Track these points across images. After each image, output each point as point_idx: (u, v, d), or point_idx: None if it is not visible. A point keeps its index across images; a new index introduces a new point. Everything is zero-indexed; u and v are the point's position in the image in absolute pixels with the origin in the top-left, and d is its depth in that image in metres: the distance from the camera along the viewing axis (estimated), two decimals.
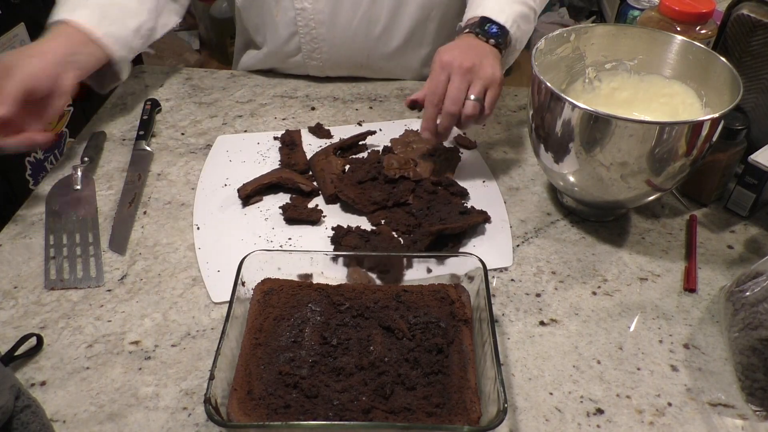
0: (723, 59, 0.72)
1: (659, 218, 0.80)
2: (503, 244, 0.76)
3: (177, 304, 0.68)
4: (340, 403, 0.54)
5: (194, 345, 0.64)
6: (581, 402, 0.60)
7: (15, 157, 1.31)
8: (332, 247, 0.74)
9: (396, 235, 0.75)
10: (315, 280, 0.67)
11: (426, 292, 0.65)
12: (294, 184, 0.81)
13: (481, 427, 0.51)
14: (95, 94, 0.91)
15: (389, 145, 0.89)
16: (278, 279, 0.66)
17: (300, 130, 0.93)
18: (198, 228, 0.77)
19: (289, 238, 0.76)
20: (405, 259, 0.69)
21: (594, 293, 0.70)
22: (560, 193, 0.82)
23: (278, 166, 0.87)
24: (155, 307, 0.68)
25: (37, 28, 1.36)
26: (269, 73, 1.09)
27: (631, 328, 0.67)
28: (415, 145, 0.89)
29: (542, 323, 0.67)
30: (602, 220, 0.79)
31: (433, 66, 0.81)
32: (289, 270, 0.66)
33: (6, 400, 0.46)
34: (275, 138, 0.92)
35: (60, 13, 0.81)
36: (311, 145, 0.91)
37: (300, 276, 0.67)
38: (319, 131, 0.93)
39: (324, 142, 0.91)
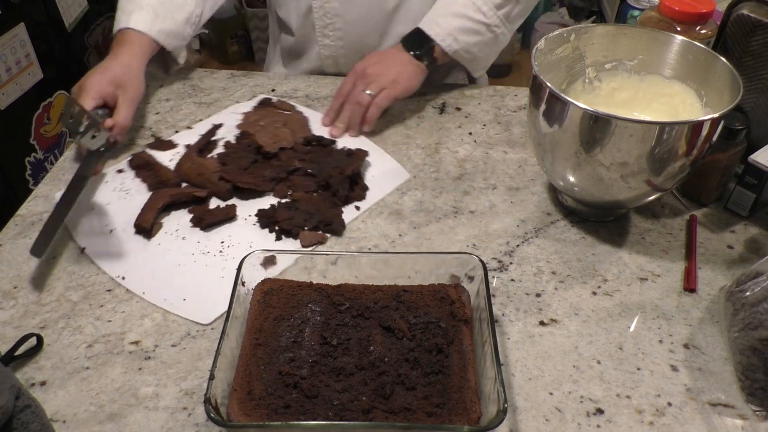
0: (723, 59, 0.72)
1: (659, 218, 0.80)
2: (392, 165, 0.86)
3: None
4: (340, 403, 0.54)
5: (194, 345, 0.64)
6: (581, 402, 0.60)
7: (15, 157, 1.31)
8: (273, 229, 0.75)
9: (316, 195, 0.79)
10: (315, 280, 0.66)
11: (426, 292, 0.65)
12: (188, 197, 0.79)
13: (481, 427, 0.51)
14: None
15: (239, 132, 0.90)
16: (278, 279, 0.66)
17: (145, 150, 0.89)
18: (124, 278, 0.70)
19: (222, 242, 0.74)
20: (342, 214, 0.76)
21: (594, 293, 0.70)
22: (560, 193, 0.82)
23: (146, 192, 0.81)
24: (155, 307, 0.68)
25: (37, 28, 1.36)
26: (269, 72, 1.09)
27: (631, 328, 0.67)
28: (262, 121, 0.92)
29: (542, 323, 0.67)
30: (602, 220, 0.79)
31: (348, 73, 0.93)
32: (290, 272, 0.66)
33: (6, 400, 0.46)
34: (119, 171, 0.85)
35: (121, 22, 0.93)
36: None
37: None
38: (162, 145, 0.89)
39: (171, 153, 0.88)
